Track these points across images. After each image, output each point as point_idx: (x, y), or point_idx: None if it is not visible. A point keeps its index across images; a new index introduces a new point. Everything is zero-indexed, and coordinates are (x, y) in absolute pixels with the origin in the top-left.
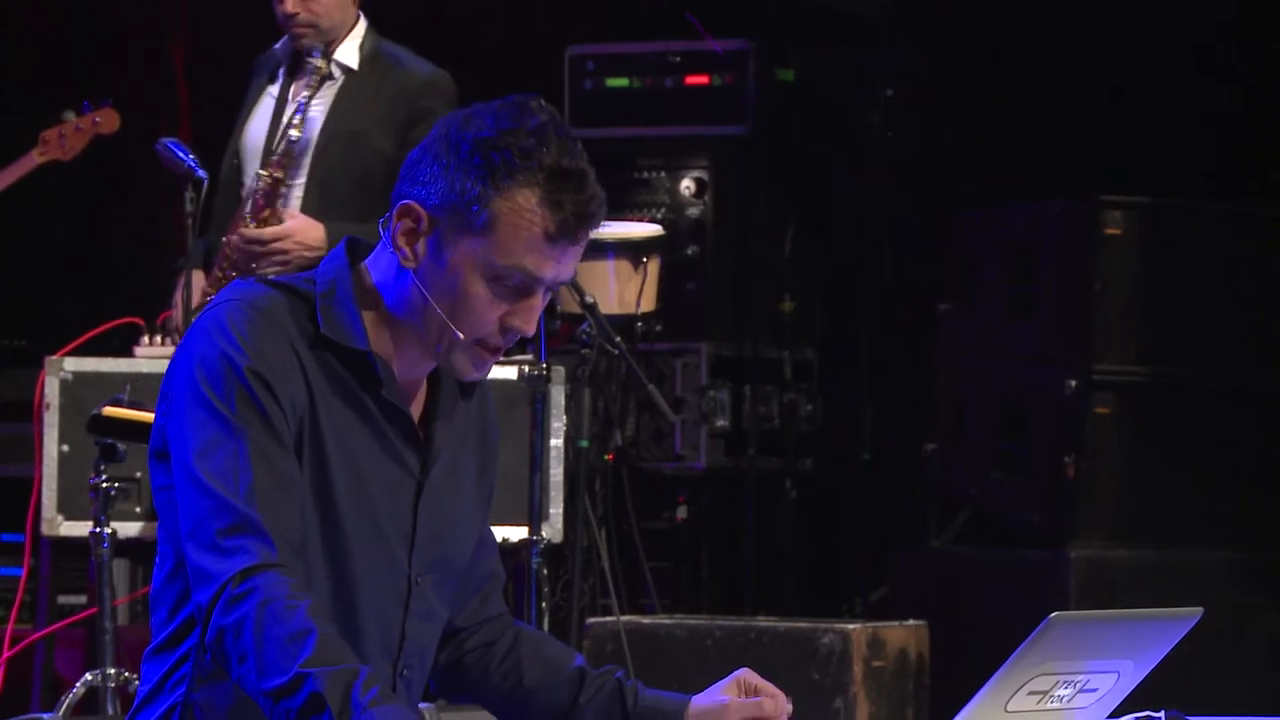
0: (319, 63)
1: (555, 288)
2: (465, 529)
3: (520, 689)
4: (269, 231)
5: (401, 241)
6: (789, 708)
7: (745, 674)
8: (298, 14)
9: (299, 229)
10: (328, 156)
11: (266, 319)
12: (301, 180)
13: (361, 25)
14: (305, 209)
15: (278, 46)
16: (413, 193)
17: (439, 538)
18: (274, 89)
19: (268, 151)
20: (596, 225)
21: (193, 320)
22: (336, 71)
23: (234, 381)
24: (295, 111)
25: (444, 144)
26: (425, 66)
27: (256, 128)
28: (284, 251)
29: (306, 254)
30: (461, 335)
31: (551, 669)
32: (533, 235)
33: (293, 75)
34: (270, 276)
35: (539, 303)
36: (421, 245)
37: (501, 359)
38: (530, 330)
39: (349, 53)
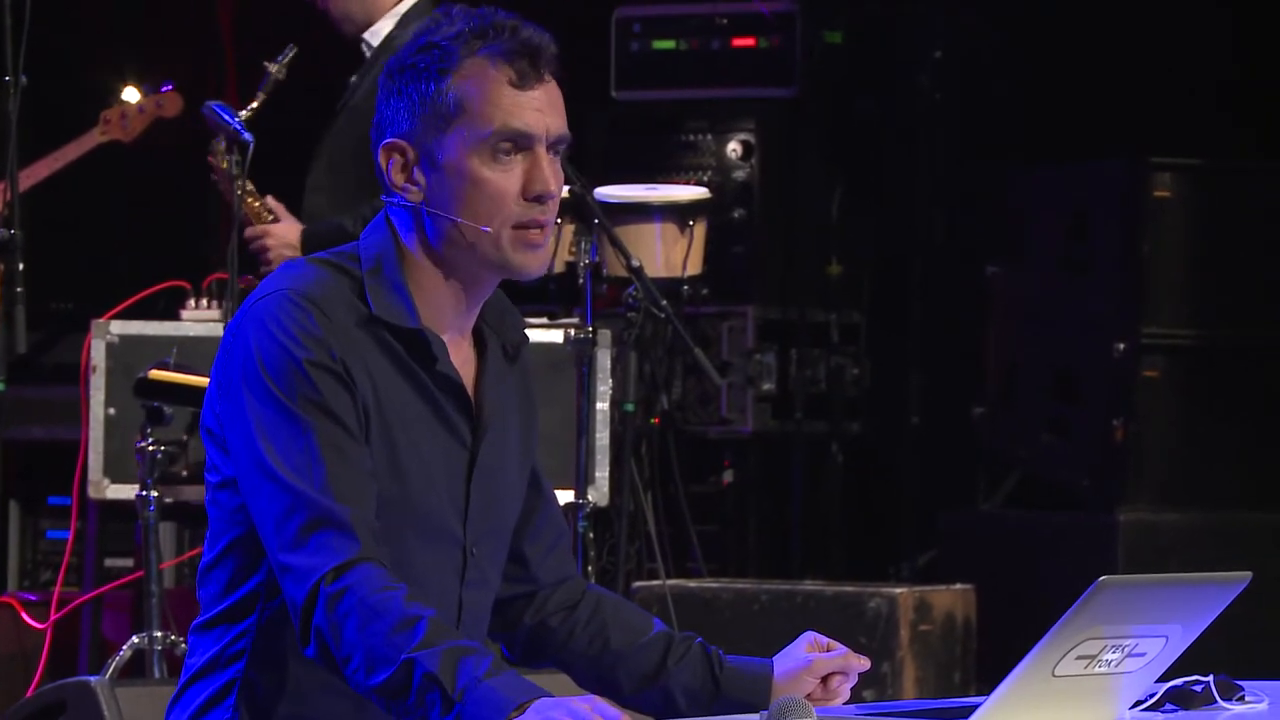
0: (274, 68)
1: (560, 144)
2: (513, 496)
3: (607, 652)
4: (249, 231)
5: (400, 179)
6: (867, 661)
7: (814, 635)
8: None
9: (278, 230)
10: (334, 128)
11: (321, 307)
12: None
13: (404, 5)
14: (312, 182)
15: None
16: (384, 134)
17: (490, 507)
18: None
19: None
20: (551, 56)
21: (241, 300)
22: (368, 52)
23: (295, 375)
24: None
25: (386, 77)
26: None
27: None
28: (265, 249)
29: (286, 251)
30: (490, 228)
31: (635, 632)
32: (500, 91)
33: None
34: (315, 255)
35: (547, 159)
36: (418, 172)
37: (547, 321)
38: (554, 188)
39: (378, 33)
